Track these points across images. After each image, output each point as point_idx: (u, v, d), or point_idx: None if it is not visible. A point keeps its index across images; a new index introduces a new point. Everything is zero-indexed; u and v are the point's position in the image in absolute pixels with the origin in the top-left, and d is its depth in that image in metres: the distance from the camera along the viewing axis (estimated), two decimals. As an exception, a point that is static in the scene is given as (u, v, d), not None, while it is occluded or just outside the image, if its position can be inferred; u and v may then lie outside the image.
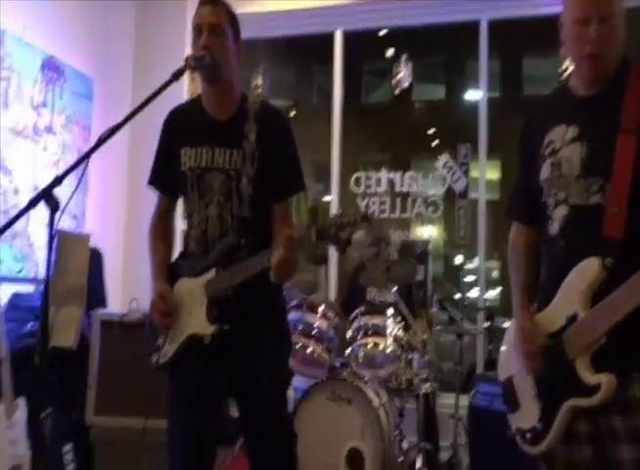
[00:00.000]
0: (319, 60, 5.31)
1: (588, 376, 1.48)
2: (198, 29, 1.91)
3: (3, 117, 3.69)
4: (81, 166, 1.86)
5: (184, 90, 4.19)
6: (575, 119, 1.62)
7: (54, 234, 1.68)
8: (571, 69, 2.04)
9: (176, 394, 1.94)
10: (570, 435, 1.55)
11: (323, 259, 4.59)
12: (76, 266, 2.74)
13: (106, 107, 4.49)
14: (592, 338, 1.49)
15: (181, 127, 2.03)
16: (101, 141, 1.80)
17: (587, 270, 1.52)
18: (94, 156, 4.85)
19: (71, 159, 4.22)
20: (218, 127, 1.97)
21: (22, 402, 2.76)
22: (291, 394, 3.57)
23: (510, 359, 1.74)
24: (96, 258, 3.85)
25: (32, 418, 2.42)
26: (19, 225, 3.70)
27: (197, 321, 1.86)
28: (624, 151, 1.53)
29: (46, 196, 1.69)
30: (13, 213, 3.63)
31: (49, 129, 4.03)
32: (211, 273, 1.87)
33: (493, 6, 4.43)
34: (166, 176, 2.04)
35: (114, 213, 4.49)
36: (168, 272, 2.00)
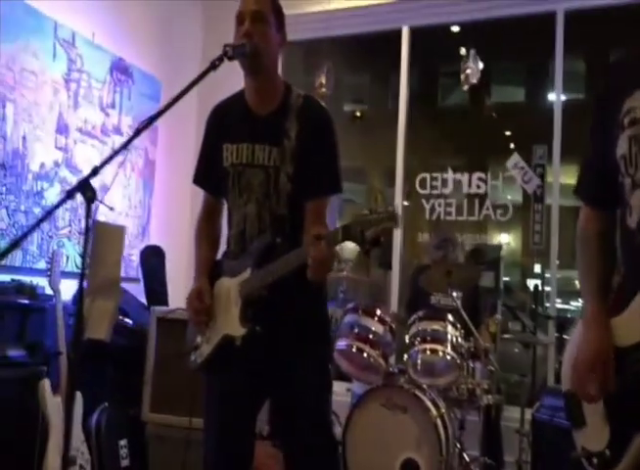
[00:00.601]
0: (393, 63, 5.25)
1: None
2: (240, 18, 1.87)
3: (73, 118, 3.80)
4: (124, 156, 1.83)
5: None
6: None
7: (90, 225, 1.67)
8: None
9: (211, 394, 1.90)
10: None
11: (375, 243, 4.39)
12: (112, 258, 2.75)
13: (172, 108, 4.54)
14: None
15: (223, 123, 1.98)
16: (138, 131, 1.78)
17: None
18: (159, 157, 4.92)
19: (138, 159, 4.31)
20: (259, 123, 1.91)
21: (78, 396, 2.82)
22: (346, 399, 3.48)
23: None
24: (158, 255, 3.90)
25: (68, 411, 2.44)
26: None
27: (231, 322, 1.81)
28: None
29: (83, 187, 1.67)
30: (80, 211, 3.78)
31: (117, 130, 4.12)
32: (247, 273, 1.81)
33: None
34: (211, 174, 2.00)
35: (179, 213, 4.53)
36: (211, 272, 1.96)
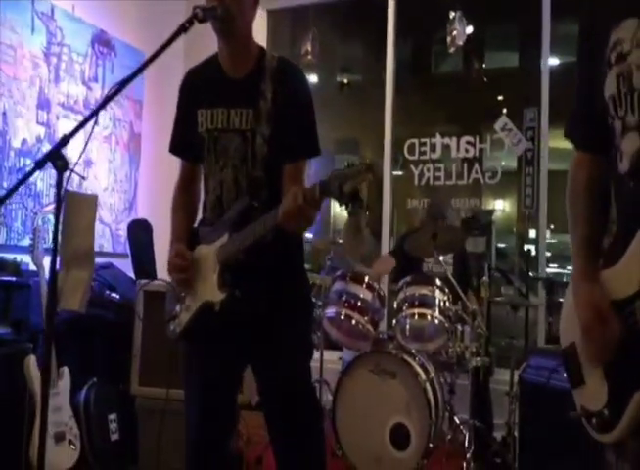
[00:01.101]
0: (385, 31, 5.19)
1: None
2: None
3: (54, 92, 3.75)
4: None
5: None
6: None
7: (62, 195, 1.65)
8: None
9: (191, 363, 1.89)
10: None
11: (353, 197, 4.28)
12: (84, 227, 2.73)
13: (157, 80, 4.48)
14: None
15: (197, 88, 1.95)
16: (108, 98, 1.74)
17: None
18: (144, 130, 4.84)
19: (123, 132, 4.26)
20: (234, 86, 1.88)
21: (66, 371, 2.83)
22: (337, 367, 3.50)
23: (573, 323, 1.33)
24: (145, 229, 3.88)
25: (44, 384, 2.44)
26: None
27: (209, 289, 1.79)
28: None
29: (53, 157, 1.64)
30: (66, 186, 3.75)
31: (100, 104, 4.06)
32: (224, 238, 1.79)
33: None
34: (186, 141, 1.97)
35: (166, 186, 4.48)
36: (189, 240, 1.94)
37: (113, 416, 3.06)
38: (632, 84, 1.19)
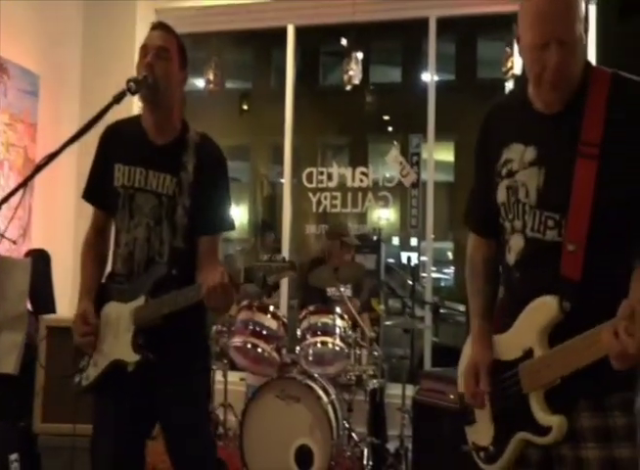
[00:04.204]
0: (276, 42, 5.34)
1: (541, 415, 1.43)
2: (144, 50, 1.89)
3: (-57, 118, 3.61)
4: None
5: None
6: (534, 140, 1.49)
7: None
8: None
9: (101, 413, 1.95)
10: (521, 458, 1.52)
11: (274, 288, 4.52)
12: (16, 292, 2.69)
13: (52, 103, 4.41)
14: (547, 379, 1.42)
15: (118, 144, 2.00)
16: (39, 168, 1.78)
17: (545, 309, 1.44)
18: (39, 155, 4.73)
19: (17, 157, 4.15)
20: (155, 151, 1.95)
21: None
22: (240, 388, 3.65)
23: None
24: (44, 261, 3.78)
25: None
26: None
27: (122, 348, 1.85)
28: (583, 181, 1.39)
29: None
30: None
31: (-7, 128, 3.95)
32: (140, 301, 1.86)
33: (442, 4, 4.50)
34: (101, 191, 2.02)
35: (63, 214, 4.42)
36: (98, 294, 1.98)
37: (14, 456, 2.96)
38: (517, 197, 1.50)
